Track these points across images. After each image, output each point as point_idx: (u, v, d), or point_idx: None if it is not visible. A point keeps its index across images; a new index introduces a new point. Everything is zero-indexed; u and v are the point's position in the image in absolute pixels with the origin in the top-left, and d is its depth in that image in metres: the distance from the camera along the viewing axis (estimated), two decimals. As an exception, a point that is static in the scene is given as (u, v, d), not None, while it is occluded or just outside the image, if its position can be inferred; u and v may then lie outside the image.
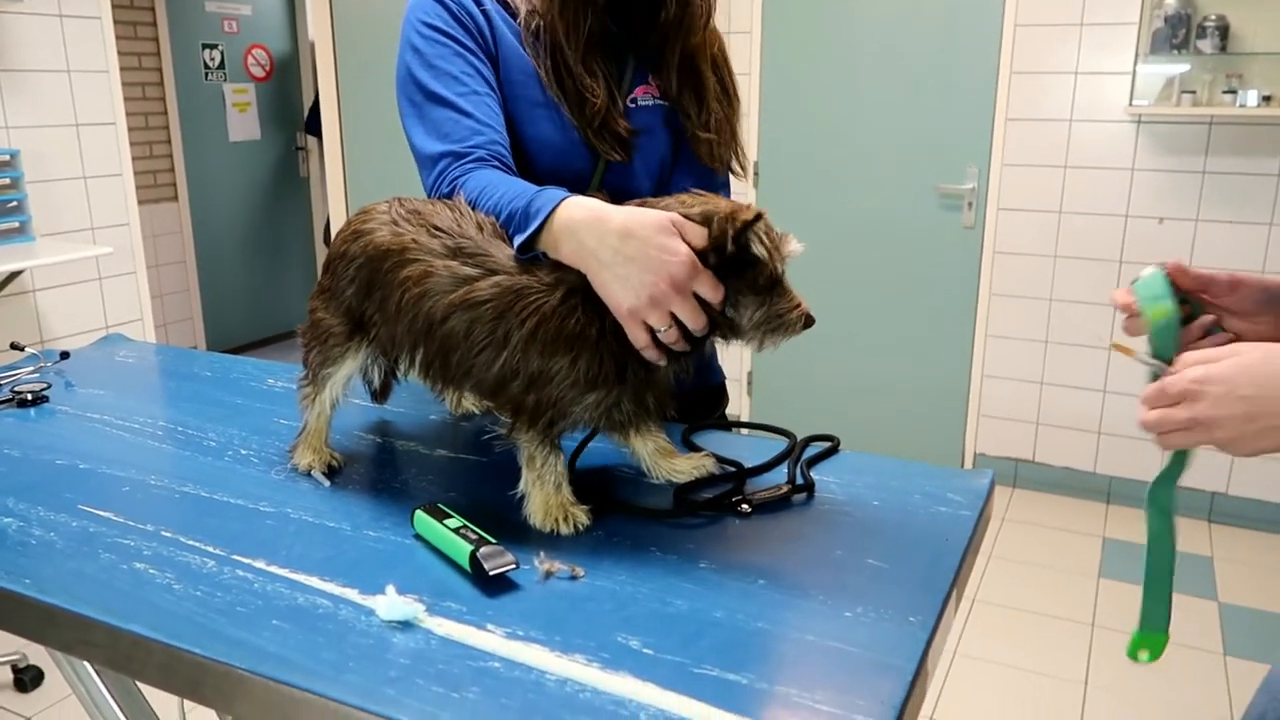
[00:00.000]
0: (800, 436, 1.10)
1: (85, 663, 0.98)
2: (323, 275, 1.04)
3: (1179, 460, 0.84)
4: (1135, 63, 3.10)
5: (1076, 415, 3.44)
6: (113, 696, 1.01)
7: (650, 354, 0.89)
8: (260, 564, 0.85)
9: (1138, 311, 0.84)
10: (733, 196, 1.09)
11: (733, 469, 1.02)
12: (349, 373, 1.04)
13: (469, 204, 0.99)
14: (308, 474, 1.04)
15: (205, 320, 5.24)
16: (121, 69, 3.17)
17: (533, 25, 1.13)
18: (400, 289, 0.93)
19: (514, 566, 0.81)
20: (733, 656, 0.71)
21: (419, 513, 0.89)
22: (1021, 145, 3.32)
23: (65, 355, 1.49)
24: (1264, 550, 3.13)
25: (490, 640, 0.73)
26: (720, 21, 1.21)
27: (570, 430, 0.94)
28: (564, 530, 0.90)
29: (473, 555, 0.81)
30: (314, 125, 5.10)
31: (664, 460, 1.01)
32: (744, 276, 0.88)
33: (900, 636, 0.74)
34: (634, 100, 1.17)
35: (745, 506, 0.95)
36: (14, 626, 0.84)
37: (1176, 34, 3.02)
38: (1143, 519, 0.86)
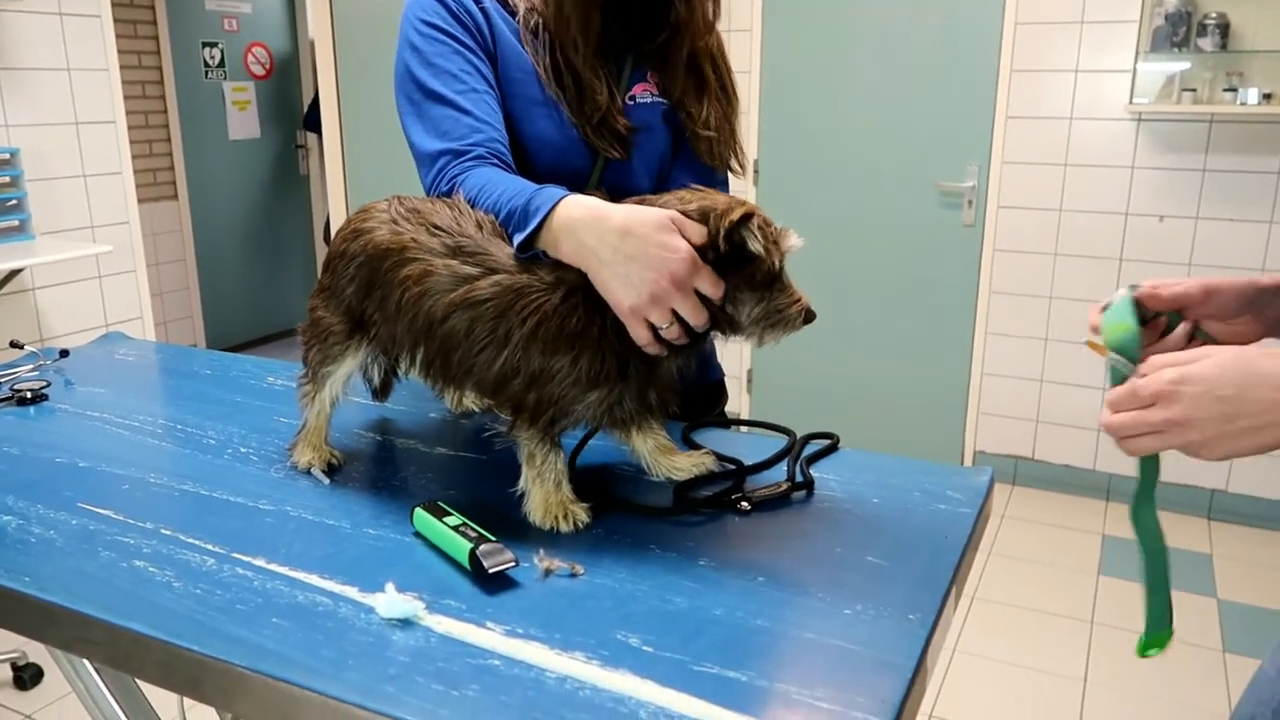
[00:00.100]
0: (800, 434, 1.10)
1: (85, 660, 0.98)
2: (323, 274, 1.04)
3: (1150, 471, 0.83)
4: (1136, 61, 3.10)
5: (1076, 413, 3.44)
6: (112, 694, 1.01)
7: (652, 349, 0.89)
8: (260, 562, 0.85)
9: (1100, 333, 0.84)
10: (732, 193, 1.09)
11: (732, 466, 1.02)
12: (349, 371, 1.04)
13: (468, 202, 0.99)
14: (307, 472, 1.04)
15: (205, 318, 5.24)
16: (121, 67, 3.17)
17: (532, 23, 1.13)
18: (400, 288, 0.93)
19: (513, 564, 0.81)
20: (732, 654, 0.71)
21: (418, 510, 0.89)
22: (1022, 143, 3.32)
23: (65, 353, 1.49)
24: (1263, 547, 3.13)
25: (490, 638, 0.73)
26: (720, 20, 1.21)
27: (571, 428, 0.94)
28: (564, 528, 0.90)
29: (472, 553, 0.81)
30: (313, 121, 5.10)
31: (664, 458, 1.01)
32: (743, 272, 0.88)
33: (900, 634, 0.74)
34: (632, 98, 1.17)
35: (745, 504, 0.95)
36: (14, 624, 0.84)
37: (1177, 32, 3.02)
38: None
